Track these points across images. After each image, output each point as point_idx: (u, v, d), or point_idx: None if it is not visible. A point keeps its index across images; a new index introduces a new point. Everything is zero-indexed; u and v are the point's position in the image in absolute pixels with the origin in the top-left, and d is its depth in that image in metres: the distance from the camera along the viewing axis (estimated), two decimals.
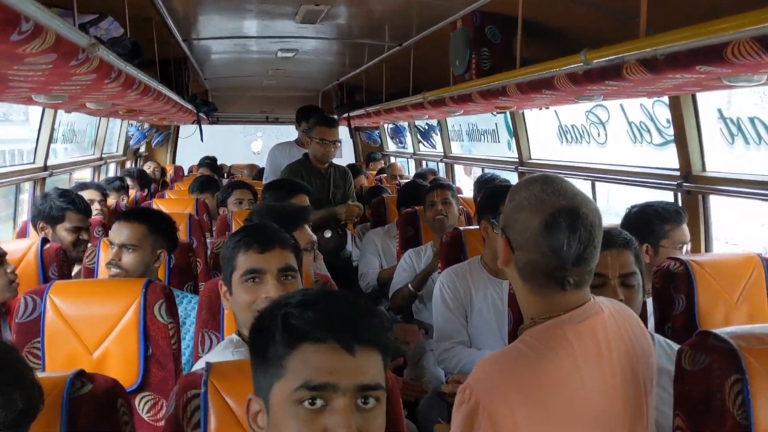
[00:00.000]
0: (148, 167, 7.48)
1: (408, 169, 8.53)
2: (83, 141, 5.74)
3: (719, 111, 3.00)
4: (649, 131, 3.53)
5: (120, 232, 2.65)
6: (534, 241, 1.51)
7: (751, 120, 2.83)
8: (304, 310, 1.15)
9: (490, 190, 3.12)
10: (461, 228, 3.49)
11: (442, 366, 3.07)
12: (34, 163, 4.32)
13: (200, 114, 6.18)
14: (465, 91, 3.53)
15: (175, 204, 4.96)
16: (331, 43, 4.99)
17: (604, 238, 2.16)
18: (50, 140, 4.34)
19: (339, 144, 4.75)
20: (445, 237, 3.47)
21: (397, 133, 8.28)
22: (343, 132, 9.44)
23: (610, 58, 2.12)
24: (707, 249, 3.19)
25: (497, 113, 5.09)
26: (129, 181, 5.72)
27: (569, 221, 1.49)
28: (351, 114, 6.92)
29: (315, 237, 2.80)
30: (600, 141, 4.01)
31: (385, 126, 8.82)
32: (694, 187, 3.15)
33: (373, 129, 9.41)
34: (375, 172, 8.32)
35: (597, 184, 4.17)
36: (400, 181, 7.02)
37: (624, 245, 2.13)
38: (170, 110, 4.33)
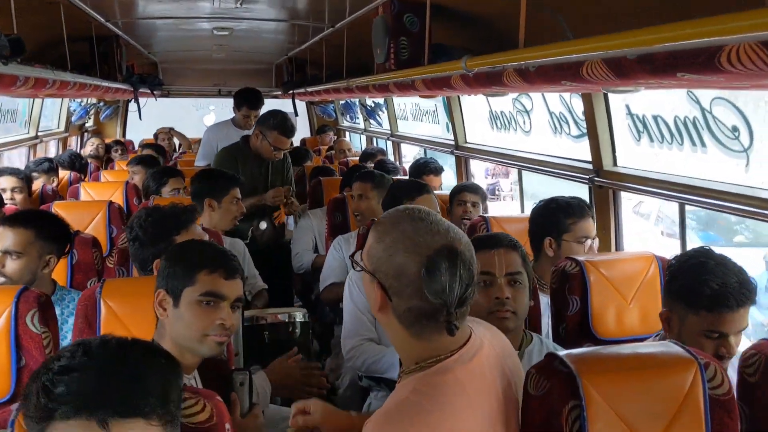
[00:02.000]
0: (91, 144, 7.31)
1: (360, 146, 8.46)
2: (15, 119, 5.56)
3: (627, 107, 2.98)
4: (567, 122, 3.51)
5: (3, 238, 2.52)
6: (414, 287, 1.44)
7: (655, 118, 2.82)
8: (59, 381, 1.11)
9: None
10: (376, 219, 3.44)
11: (349, 364, 3.04)
12: None
13: (138, 90, 6.03)
14: (383, 81, 3.47)
15: (104, 188, 4.86)
16: (263, 22, 4.88)
17: (492, 239, 2.22)
18: None
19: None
20: (361, 228, 3.45)
21: (347, 109, 8.20)
22: (299, 105, 9.39)
23: (491, 66, 2.08)
24: (617, 245, 3.20)
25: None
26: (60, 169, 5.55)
27: (449, 262, 1.44)
28: (295, 91, 6.81)
29: (205, 237, 2.74)
30: (525, 129, 3.99)
31: (339, 101, 8.73)
32: (605, 182, 3.15)
33: (327, 103, 9.31)
34: (326, 148, 8.24)
35: (523, 172, 4.17)
36: (348, 158, 6.95)
37: (511, 246, 2.17)
38: (93, 92, 4.21)
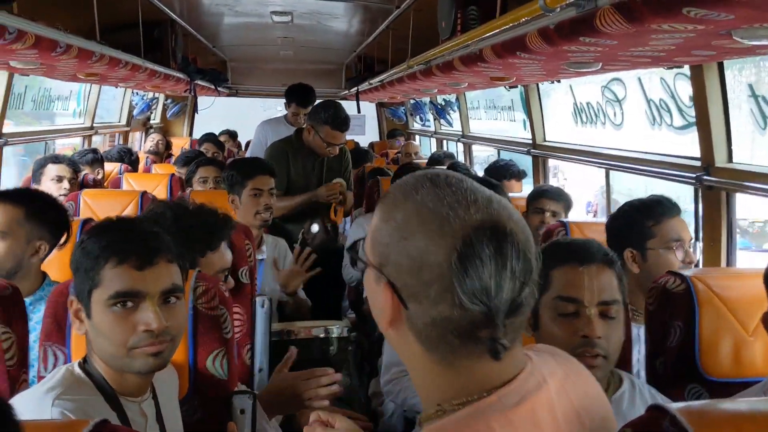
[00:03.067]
0: (152, 140, 7.11)
1: (430, 150, 7.96)
2: (65, 108, 5.36)
3: (750, 87, 2.37)
4: (669, 111, 2.91)
5: None
6: (442, 287, 0.95)
7: None
8: None
9: None
10: None
11: (388, 398, 2.54)
12: None
13: (196, 83, 5.74)
14: (447, 56, 2.97)
15: (147, 179, 4.56)
16: (322, 5, 4.46)
17: (581, 249, 1.64)
18: (5, 105, 3.94)
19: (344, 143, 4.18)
20: None
21: (417, 110, 7.71)
22: (368, 108, 9.00)
23: (577, 6, 1.54)
24: (729, 259, 2.58)
25: (509, 88, 4.51)
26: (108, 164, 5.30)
27: (494, 247, 0.94)
28: (360, 88, 6.39)
29: (228, 264, 2.26)
30: (616, 122, 3.39)
31: (409, 102, 8.27)
32: (717, 181, 2.53)
33: (398, 105, 8.86)
34: (395, 152, 7.79)
35: (611, 172, 3.57)
36: (416, 161, 6.47)
37: (606, 262, 1.62)
38: (134, 73, 3.88)
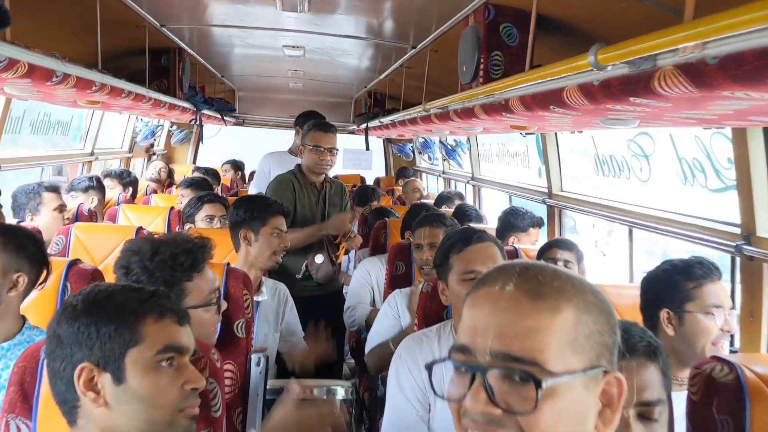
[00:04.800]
0: (154, 167, 6.91)
1: (437, 189, 7.77)
2: (66, 133, 5.18)
3: None
4: (703, 171, 2.71)
5: None
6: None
7: None
8: None
9: None
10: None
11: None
12: None
13: (202, 112, 5.57)
14: (467, 103, 2.79)
15: (146, 212, 4.36)
16: (338, 40, 4.30)
17: (622, 338, 1.43)
18: (0, 129, 3.76)
19: (336, 152, 4.02)
20: (425, 286, 2.72)
21: (425, 148, 7.54)
22: (375, 143, 8.84)
23: (634, 59, 1.35)
24: None
25: (525, 134, 4.33)
26: (108, 181, 5.10)
27: None
28: (370, 125, 6.22)
29: (217, 283, 2.11)
30: (642, 177, 3.20)
31: (418, 139, 8.10)
32: (759, 252, 2.32)
33: (405, 142, 8.70)
34: (401, 189, 7.59)
35: (635, 231, 3.35)
36: (423, 201, 6.26)
37: (649, 355, 1.41)
38: (137, 102, 3.71)
